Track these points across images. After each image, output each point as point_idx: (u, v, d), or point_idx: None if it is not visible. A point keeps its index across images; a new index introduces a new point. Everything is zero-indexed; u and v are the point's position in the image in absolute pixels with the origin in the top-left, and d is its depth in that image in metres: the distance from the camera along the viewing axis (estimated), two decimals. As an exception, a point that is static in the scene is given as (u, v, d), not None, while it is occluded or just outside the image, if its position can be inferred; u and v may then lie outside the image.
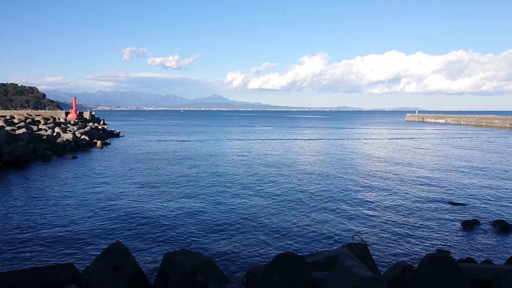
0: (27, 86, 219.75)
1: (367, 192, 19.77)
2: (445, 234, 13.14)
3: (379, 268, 7.27)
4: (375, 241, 12.26)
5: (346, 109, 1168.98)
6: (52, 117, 60.54)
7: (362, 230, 13.36)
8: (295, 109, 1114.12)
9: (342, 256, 5.56)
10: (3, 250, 11.05)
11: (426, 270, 4.83)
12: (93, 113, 75.78)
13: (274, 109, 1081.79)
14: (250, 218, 14.77)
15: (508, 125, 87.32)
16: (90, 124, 56.88)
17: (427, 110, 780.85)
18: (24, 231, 12.78)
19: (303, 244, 11.96)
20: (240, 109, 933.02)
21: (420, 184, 21.77)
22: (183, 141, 51.52)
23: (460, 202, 17.49)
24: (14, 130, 34.87)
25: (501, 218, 14.49)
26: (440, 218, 14.93)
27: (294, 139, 56.23)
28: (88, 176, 23.51)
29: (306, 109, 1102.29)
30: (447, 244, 12.20)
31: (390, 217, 15.06)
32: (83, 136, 42.07)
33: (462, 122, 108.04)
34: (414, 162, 31.05)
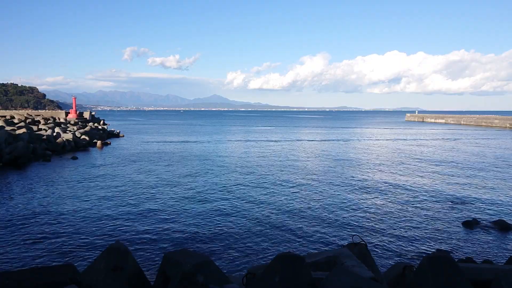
0: (27, 86, 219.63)
1: (367, 192, 19.76)
2: (445, 234, 13.14)
3: (379, 268, 7.27)
4: (375, 241, 12.26)
5: (346, 109, 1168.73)
6: (52, 117, 60.55)
7: (362, 230, 13.36)
8: (295, 109, 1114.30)
9: (342, 256, 5.56)
10: (3, 250, 11.05)
11: (426, 270, 4.83)
12: (93, 113, 75.80)
13: (274, 109, 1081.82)
14: (250, 218, 14.77)
15: (508, 125, 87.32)
16: (90, 124, 56.89)
17: (427, 110, 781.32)
18: (24, 231, 12.78)
19: (303, 244, 11.96)
20: (240, 109, 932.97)
21: (420, 184, 21.76)
22: (184, 141, 51.54)
23: (460, 202, 17.50)
24: (14, 130, 34.86)
25: (501, 218, 14.50)
26: (440, 218, 14.94)
27: (294, 140, 56.23)
28: (88, 176, 23.51)
29: (306, 109, 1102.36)
30: (447, 244, 12.20)
31: (390, 217, 15.06)
32: (83, 136, 42.06)
33: (462, 122, 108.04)
34: (414, 162, 31.04)
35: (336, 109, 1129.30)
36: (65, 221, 13.96)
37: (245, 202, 17.27)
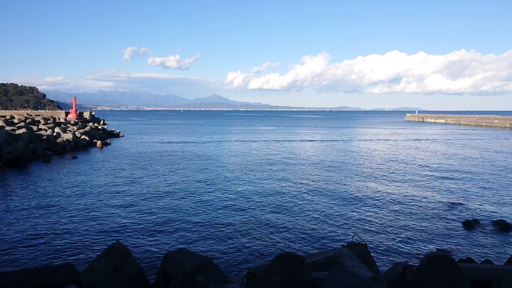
0: (27, 86, 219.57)
1: (367, 192, 19.76)
2: (445, 234, 13.14)
3: (379, 268, 7.28)
4: (375, 241, 12.26)
5: (346, 109, 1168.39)
6: (52, 117, 60.55)
7: (362, 230, 13.36)
8: (295, 109, 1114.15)
9: (342, 256, 5.57)
10: (3, 250, 11.04)
11: (426, 270, 4.83)
12: (93, 113, 75.82)
13: (274, 109, 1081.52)
14: (250, 218, 14.77)
15: (508, 125, 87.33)
16: (90, 124, 56.90)
17: (427, 110, 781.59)
18: (24, 231, 12.78)
19: (303, 244, 11.96)
20: (240, 109, 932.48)
21: (420, 184, 21.76)
22: (184, 141, 51.54)
23: (460, 202, 17.50)
24: (14, 130, 34.87)
25: (501, 218, 14.50)
26: (440, 218, 14.93)
27: (294, 140, 56.24)
28: (88, 176, 23.51)
29: (306, 109, 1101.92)
30: (447, 244, 12.20)
31: (390, 217, 15.06)
32: (83, 136, 42.06)
33: (462, 122, 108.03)
34: (414, 162, 31.04)
35: (336, 109, 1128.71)
36: (65, 221, 13.95)
37: (245, 203, 17.27)
